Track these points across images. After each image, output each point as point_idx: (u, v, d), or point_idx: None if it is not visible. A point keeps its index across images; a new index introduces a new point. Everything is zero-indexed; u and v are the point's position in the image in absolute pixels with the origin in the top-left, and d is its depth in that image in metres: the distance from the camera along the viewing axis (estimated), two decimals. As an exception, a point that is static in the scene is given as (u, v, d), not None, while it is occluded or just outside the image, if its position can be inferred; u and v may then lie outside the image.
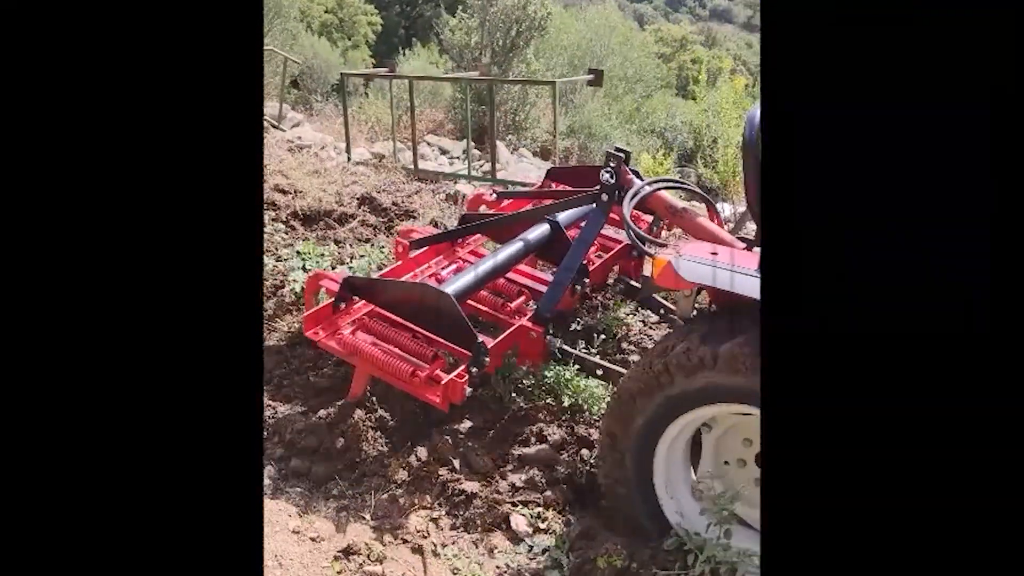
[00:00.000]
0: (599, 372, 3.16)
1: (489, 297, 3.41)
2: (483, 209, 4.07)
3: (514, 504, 2.76)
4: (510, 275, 3.48)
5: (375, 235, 5.00)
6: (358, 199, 5.58)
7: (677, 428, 2.27)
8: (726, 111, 4.97)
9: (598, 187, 3.30)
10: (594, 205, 3.40)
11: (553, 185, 4.16)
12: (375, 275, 3.57)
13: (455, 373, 2.75)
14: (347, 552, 2.51)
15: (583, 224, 3.45)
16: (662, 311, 3.73)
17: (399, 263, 3.54)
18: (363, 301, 3.17)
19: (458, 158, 8.26)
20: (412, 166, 6.85)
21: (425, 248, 3.62)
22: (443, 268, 3.58)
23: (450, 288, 2.97)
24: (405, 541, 2.63)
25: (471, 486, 2.81)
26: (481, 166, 7.17)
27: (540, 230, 3.50)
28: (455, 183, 6.38)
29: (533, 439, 3.07)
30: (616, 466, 2.37)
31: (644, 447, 2.30)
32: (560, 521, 2.71)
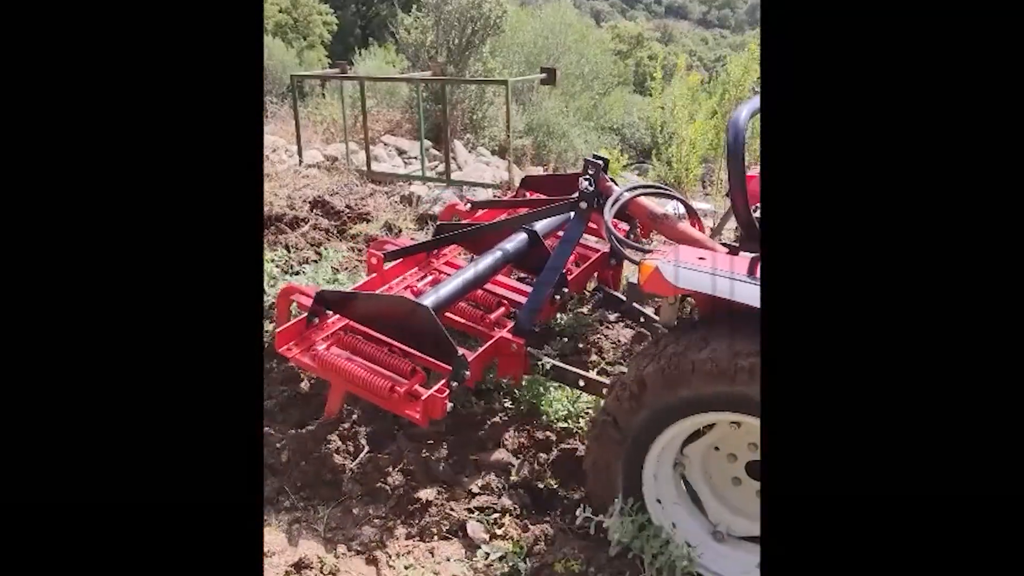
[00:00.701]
0: (581, 383, 3.03)
1: (468, 309, 3.32)
2: (457, 219, 3.97)
3: (471, 511, 2.72)
4: (488, 286, 3.39)
5: (327, 239, 4.91)
6: (310, 203, 5.48)
7: (715, 417, 2.21)
8: (679, 108, 5.01)
9: (576, 195, 3.23)
10: (572, 214, 3.32)
11: (528, 194, 4.09)
12: (351, 287, 3.43)
13: (435, 388, 2.66)
14: (299, 566, 2.45)
15: (562, 232, 3.35)
16: (642, 319, 3.62)
17: (373, 276, 3.40)
18: (337, 315, 3.05)
19: (416, 158, 8.19)
20: (365, 168, 6.76)
21: (399, 260, 3.50)
22: (419, 280, 3.49)
23: (428, 300, 2.88)
24: (359, 552, 2.58)
25: (427, 494, 2.76)
26: (435, 167, 7.11)
27: (517, 240, 3.41)
28: (409, 185, 6.31)
29: (490, 444, 3.03)
30: (628, 413, 2.30)
31: (670, 415, 2.23)
32: (517, 526, 2.68)
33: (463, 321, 3.27)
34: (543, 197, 3.84)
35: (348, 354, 2.89)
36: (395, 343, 2.89)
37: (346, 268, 4.38)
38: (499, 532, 2.66)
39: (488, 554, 2.57)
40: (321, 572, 2.45)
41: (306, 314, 2.99)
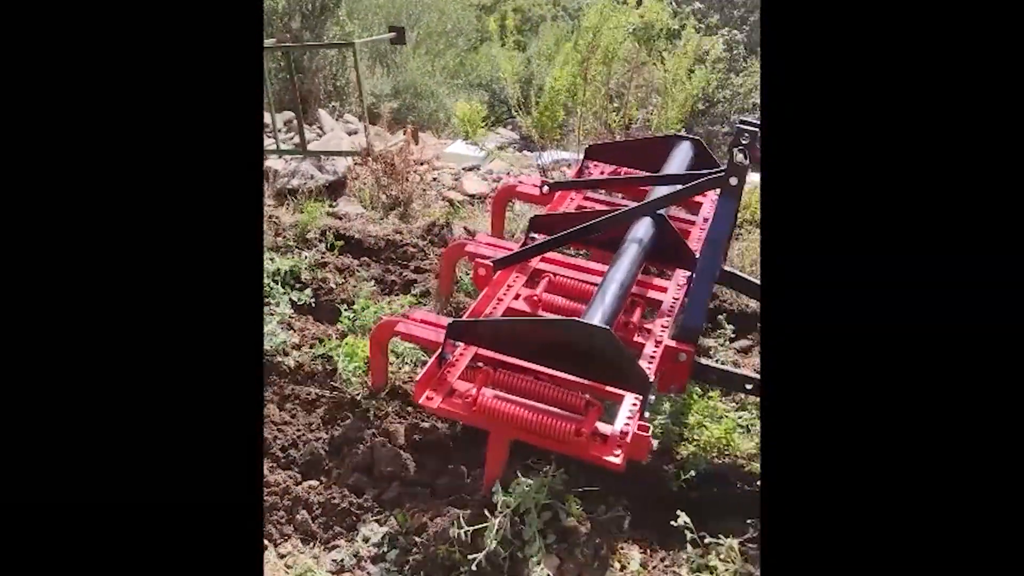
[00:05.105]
0: (748, 387, 2.69)
1: None
2: (519, 203, 3.60)
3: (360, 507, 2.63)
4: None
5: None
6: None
7: None
8: (542, 59, 4.95)
9: (723, 169, 2.66)
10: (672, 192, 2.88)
11: (591, 165, 3.65)
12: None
13: (637, 425, 2.25)
14: None
15: (714, 216, 2.72)
16: None
17: (484, 292, 2.86)
18: (462, 346, 2.56)
19: (280, 130, 7.81)
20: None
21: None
22: (528, 286, 2.97)
23: (598, 318, 2.37)
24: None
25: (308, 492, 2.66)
26: (292, 137, 6.79)
27: (645, 228, 2.85)
28: (265, 159, 6.00)
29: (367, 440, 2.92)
30: None
31: None
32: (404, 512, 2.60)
33: None
34: (636, 172, 3.40)
35: (506, 395, 2.40)
36: (548, 372, 2.45)
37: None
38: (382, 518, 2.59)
39: (368, 538, 2.50)
40: None
41: (437, 354, 2.48)
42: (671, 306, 2.94)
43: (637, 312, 2.86)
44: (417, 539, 2.44)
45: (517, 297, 2.89)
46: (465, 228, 4.44)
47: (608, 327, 2.28)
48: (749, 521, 2.48)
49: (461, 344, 2.54)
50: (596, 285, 2.71)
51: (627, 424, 2.28)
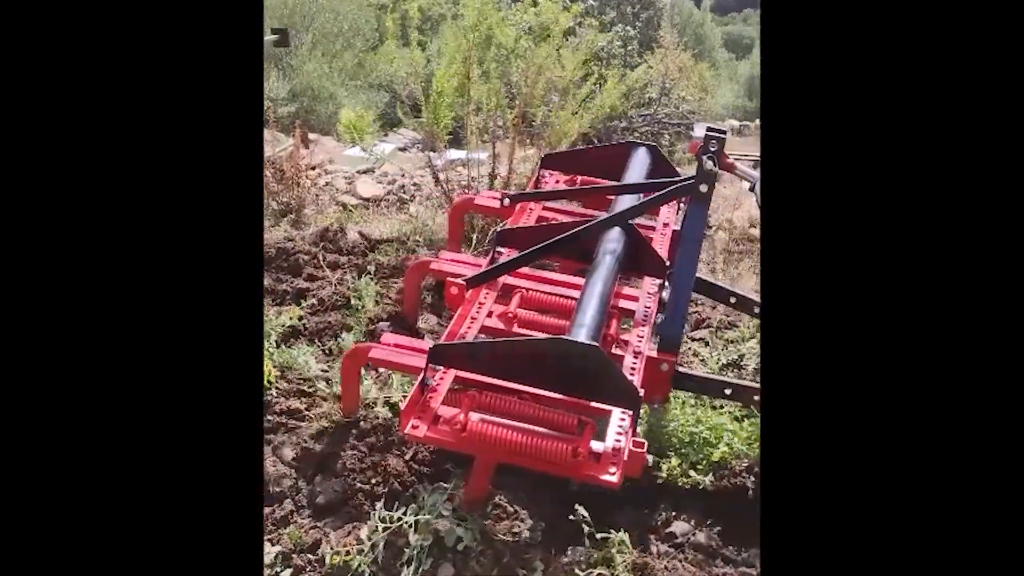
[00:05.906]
0: (727, 392, 2.70)
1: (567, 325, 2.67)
2: (502, 220, 3.37)
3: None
4: (573, 293, 2.83)
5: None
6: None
7: None
8: (441, 60, 4.90)
9: (692, 177, 2.64)
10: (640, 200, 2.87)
11: (547, 175, 3.53)
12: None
13: (632, 441, 2.19)
14: None
15: (685, 223, 2.73)
16: (733, 299, 3.10)
17: (459, 312, 2.74)
18: (443, 370, 2.46)
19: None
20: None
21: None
22: (508, 306, 2.83)
23: (585, 335, 2.34)
24: None
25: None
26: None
27: (615, 238, 2.82)
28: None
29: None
30: None
31: None
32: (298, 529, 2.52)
33: None
34: (602, 183, 3.35)
35: (494, 417, 2.31)
36: (534, 392, 2.38)
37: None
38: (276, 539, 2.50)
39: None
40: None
41: (420, 380, 2.37)
42: (644, 315, 2.91)
43: (614, 324, 2.80)
44: (311, 557, 2.38)
45: (490, 315, 2.79)
46: (360, 232, 4.36)
47: (595, 343, 2.26)
48: (646, 511, 2.52)
49: (441, 367, 2.46)
50: (570, 298, 2.72)
51: (618, 441, 2.25)
